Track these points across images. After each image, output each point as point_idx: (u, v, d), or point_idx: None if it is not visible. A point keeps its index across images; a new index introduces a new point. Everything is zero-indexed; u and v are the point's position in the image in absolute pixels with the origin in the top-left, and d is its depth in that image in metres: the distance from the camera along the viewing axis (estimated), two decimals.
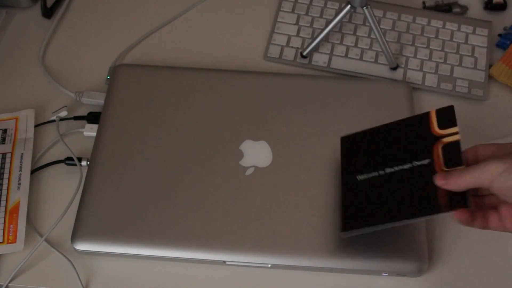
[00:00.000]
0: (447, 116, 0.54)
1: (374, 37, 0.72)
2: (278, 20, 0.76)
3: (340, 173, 0.58)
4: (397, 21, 0.75)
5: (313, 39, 0.71)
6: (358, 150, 0.58)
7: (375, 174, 0.55)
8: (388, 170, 0.54)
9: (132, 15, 0.78)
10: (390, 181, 0.54)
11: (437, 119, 0.54)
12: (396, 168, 0.54)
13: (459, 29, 0.74)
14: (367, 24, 0.74)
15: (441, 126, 0.54)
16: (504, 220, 0.47)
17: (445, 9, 0.77)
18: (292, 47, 0.74)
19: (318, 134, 0.63)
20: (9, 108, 0.69)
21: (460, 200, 0.49)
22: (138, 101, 0.65)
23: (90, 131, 0.66)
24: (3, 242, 0.58)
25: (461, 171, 0.48)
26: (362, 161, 0.57)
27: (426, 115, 0.55)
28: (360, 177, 0.55)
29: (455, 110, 0.53)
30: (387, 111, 0.64)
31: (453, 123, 0.53)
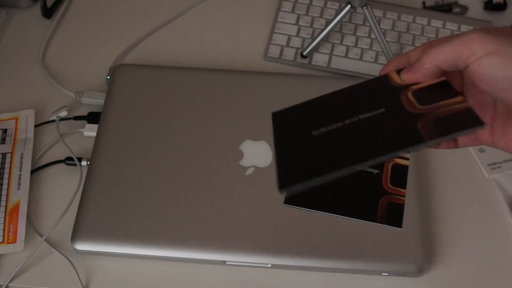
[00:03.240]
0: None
1: (374, 37, 0.72)
2: (278, 20, 0.76)
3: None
4: (397, 21, 0.75)
5: (313, 39, 0.71)
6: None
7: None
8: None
9: (132, 15, 0.78)
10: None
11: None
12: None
13: (459, 29, 0.74)
14: (367, 24, 0.74)
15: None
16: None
17: (445, 9, 0.77)
18: (292, 47, 0.74)
19: None
20: (9, 108, 0.69)
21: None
22: (138, 101, 0.65)
23: (90, 131, 0.66)
24: (3, 242, 0.58)
25: (428, 46, 0.37)
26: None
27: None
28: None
29: None
30: None
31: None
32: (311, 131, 0.41)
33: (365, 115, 0.41)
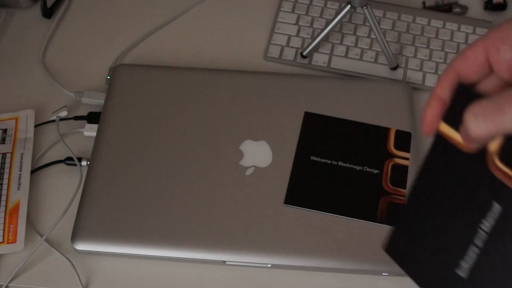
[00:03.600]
0: (404, 140, 0.61)
1: (374, 37, 0.72)
2: (278, 20, 0.76)
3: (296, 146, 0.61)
4: (397, 21, 0.75)
5: (313, 39, 0.71)
6: (317, 131, 0.62)
7: (327, 161, 0.60)
8: (340, 163, 0.60)
9: (132, 15, 0.78)
10: (339, 173, 0.59)
11: (395, 138, 0.61)
12: (348, 165, 0.59)
13: (459, 29, 0.74)
14: (367, 24, 0.74)
15: (396, 147, 0.61)
16: None
17: (445, 9, 0.77)
18: (292, 47, 0.74)
19: None
20: (9, 108, 0.69)
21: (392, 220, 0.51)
22: (138, 101, 0.65)
23: (90, 131, 0.66)
24: (3, 242, 0.58)
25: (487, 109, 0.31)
26: (319, 144, 0.61)
27: (387, 130, 0.61)
28: (313, 158, 0.60)
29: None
30: (387, 111, 0.64)
31: (407, 149, 0.60)
32: (454, 270, 0.37)
33: (487, 224, 0.35)
